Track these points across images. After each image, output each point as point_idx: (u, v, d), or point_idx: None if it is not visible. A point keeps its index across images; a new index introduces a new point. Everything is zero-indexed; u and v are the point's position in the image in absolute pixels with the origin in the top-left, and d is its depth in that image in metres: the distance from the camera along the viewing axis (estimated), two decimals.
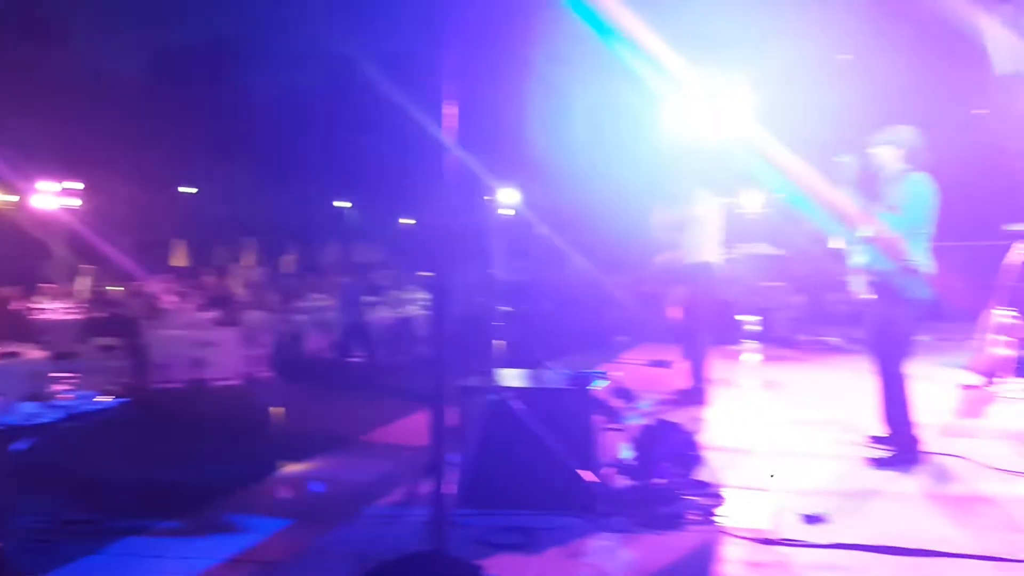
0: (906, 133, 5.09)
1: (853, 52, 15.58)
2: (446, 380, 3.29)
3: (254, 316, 13.42)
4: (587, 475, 4.06)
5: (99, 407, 7.32)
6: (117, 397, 6.45)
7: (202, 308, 14.51)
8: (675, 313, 7.73)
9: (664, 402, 6.93)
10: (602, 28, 10.62)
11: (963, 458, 5.00)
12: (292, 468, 5.38)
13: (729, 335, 10.76)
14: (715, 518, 4.01)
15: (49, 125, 17.61)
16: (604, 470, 4.35)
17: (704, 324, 7.00)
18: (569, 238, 11.67)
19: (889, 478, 4.68)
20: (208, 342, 10.82)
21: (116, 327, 10.69)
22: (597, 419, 4.26)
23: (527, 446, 4.07)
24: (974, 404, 6.60)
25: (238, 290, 19.84)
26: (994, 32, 17.66)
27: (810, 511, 4.01)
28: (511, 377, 4.56)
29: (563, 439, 4.08)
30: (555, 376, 4.53)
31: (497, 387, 4.13)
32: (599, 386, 4.32)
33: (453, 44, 2.87)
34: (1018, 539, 3.67)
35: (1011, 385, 6.99)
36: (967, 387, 7.19)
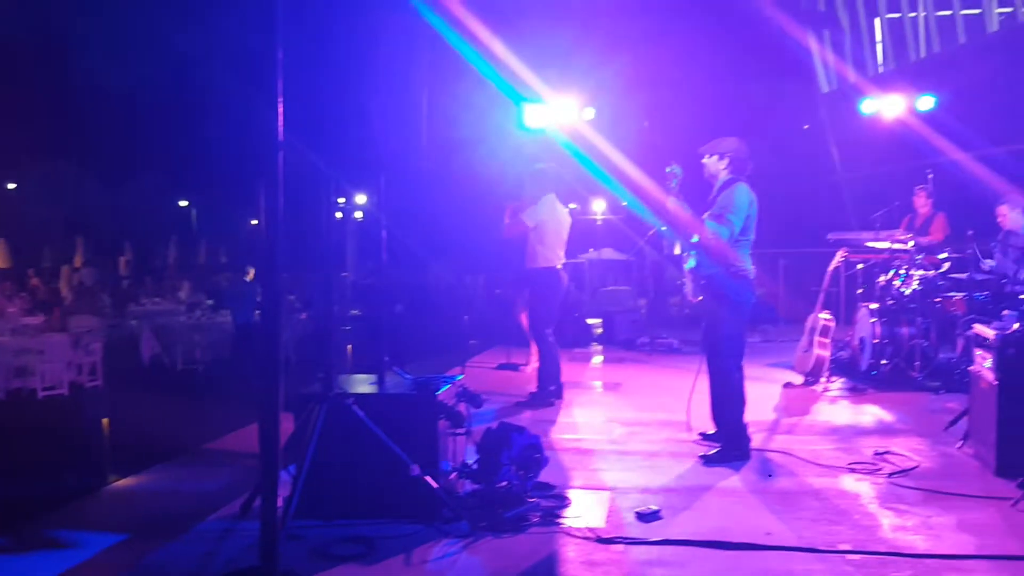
0: (732, 144, 5.36)
1: (692, 70, 16.33)
2: (288, 386, 3.20)
3: (84, 321, 12.61)
4: (431, 481, 4.04)
5: None
6: None
7: (27, 312, 13.52)
8: (524, 317, 7.89)
9: (511, 405, 7.02)
10: (453, 34, 10.68)
11: (787, 453, 5.32)
12: (124, 481, 5.12)
13: (579, 338, 11.09)
14: (557, 519, 4.09)
15: None
16: (449, 476, 4.35)
17: (547, 328, 7.09)
18: (422, 241, 11.63)
19: (719, 474, 4.92)
20: (32, 349, 10.10)
21: None
22: (443, 424, 4.25)
23: (369, 453, 4.01)
24: (797, 402, 7.06)
25: (67, 293, 18.60)
26: (819, 52, 18.93)
27: (645, 509, 4.16)
28: (353, 383, 4.49)
29: (407, 445, 4.04)
30: (400, 381, 4.48)
31: (338, 393, 4.04)
32: (445, 391, 4.31)
33: (287, 39, 2.78)
34: (836, 531, 3.93)
35: (830, 384, 7.53)
36: (791, 386, 7.70)
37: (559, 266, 7.10)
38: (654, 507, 4.19)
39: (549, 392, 7.04)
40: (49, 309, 13.92)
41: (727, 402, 5.29)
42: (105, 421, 8.56)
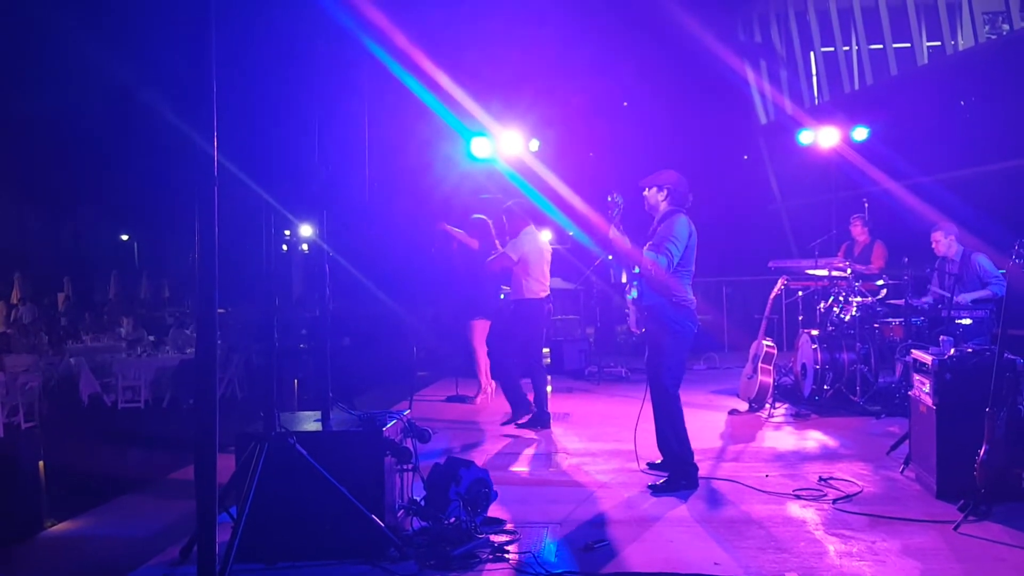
0: (671, 176, 5.44)
1: (633, 102, 16.62)
2: (236, 423, 3.11)
3: (20, 360, 12.20)
4: (377, 520, 3.97)
5: None
6: None
7: None
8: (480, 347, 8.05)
9: (459, 438, 6.97)
10: (396, 66, 10.70)
11: (734, 481, 5.35)
12: (60, 526, 4.94)
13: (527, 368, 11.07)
14: (506, 555, 4.04)
15: None
16: (397, 513, 4.28)
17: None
18: (369, 272, 11.55)
19: (667, 504, 4.93)
20: None
21: None
22: (389, 461, 4.19)
23: (313, 493, 3.93)
24: (743, 429, 7.13)
25: (3, 330, 17.99)
26: (756, 85, 19.40)
27: (595, 542, 4.14)
28: (297, 420, 4.40)
29: (353, 483, 3.97)
30: (345, 418, 4.41)
31: (280, 431, 3.96)
32: (391, 426, 4.26)
33: (222, 70, 2.74)
34: (783, 559, 3.96)
35: (774, 410, 7.62)
36: (736, 413, 7.78)
37: (544, 296, 7.35)
38: (603, 540, 4.18)
39: (546, 414, 7.25)
40: None
41: (672, 430, 5.31)
42: (41, 464, 8.28)
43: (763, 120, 19.56)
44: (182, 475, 5.87)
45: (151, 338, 15.56)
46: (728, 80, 17.93)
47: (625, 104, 17.74)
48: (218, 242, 2.78)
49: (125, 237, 35.66)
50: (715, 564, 3.90)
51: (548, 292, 7.43)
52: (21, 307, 23.52)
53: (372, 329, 13.92)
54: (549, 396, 7.45)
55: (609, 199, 5.32)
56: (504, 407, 7.64)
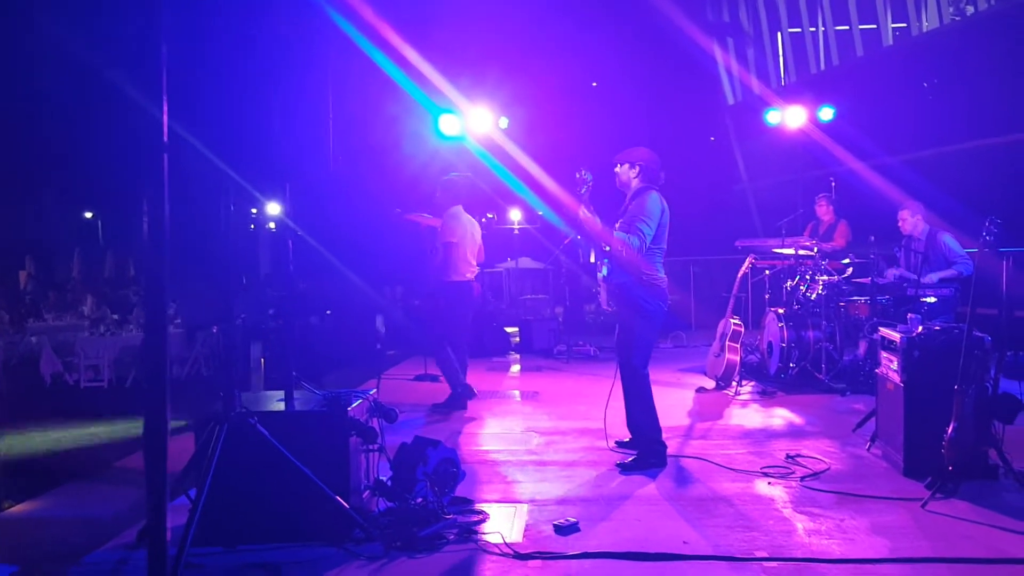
0: (643, 153, 5.39)
1: (602, 80, 16.53)
2: (199, 403, 3.01)
3: None
4: (341, 501, 3.89)
5: None
6: None
7: None
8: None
9: (426, 418, 6.91)
10: (364, 40, 10.52)
11: (702, 459, 5.35)
12: (17, 507, 4.79)
13: (497, 347, 11.03)
14: (474, 536, 4.00)
15: None
16: (363, 494, 4.21)
17: (453, 338, 7.17)
18: (337, 251, 11.41)
19: (636, 482, 4.91)
20: None
21: None
22: (354, 441, 4.11)
23: (275, 474, 3.84)
24: (710, 407, 7.14)
25: None
26: (724, 64, 19.39)
27: (563, 521, 4.10)
28: (259, 400, 4.31)
29: (316, 464, 3.89)
30: (309, 397, 4.32)
31: (240, 411, 3.86)
32: (356, 406, 4.17)
33: (177, 38, 2.62)
34: (752, 537, 3.95)
35: (741, 387, 7.65)
36: (703, 391, 7.80)
37: (471, 277, 7.19)
38: (572, 519, 4.14)
39: (461, 394, 7.15)
40: None
41: (641, 409, 5.30)
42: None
43: (730, 100, 19.56)
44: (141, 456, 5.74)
45: (115, 316, 15.27)
46: (696, 59, 17.89)
47: (595, 84, 17.65)
48: (169, 216, 2.67)
49: (89, 215, 34.94)
50: (684, 543, 3.88)
51: (474, 273, 7.27)
52: None
53: (340, 308, 13.78)
54: (518, 374, 7.40)
55: (578, 175, 5.22)
56: (475, 386, 7.58)
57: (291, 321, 5.51)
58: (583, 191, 5.21)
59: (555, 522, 4.13)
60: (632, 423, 5.39)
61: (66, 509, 4.82)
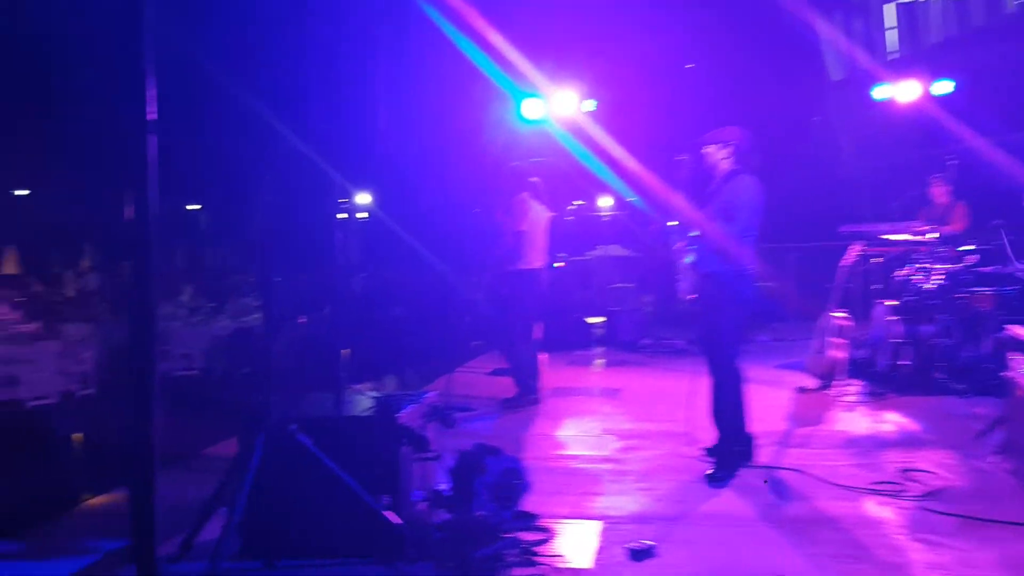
0: (735, 133, 4.98)
1: (695, 59, 15.84)
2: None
3: (80, 328, 12.22)
4: (391, 516, 3.54)
5: None
6: None
7: (24, 320, 13.13)
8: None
9: (496, 417, 6.54)
10: (446, 24, 10.23)
11: (801, 471, 4.79)
12: (95, 500, 4.69)
13: (578, 339, 10.57)
14: (537, 558, 3.59)
15: None
16: (414, 508, 3.85)
17: (522, 330, 6.88)
18: (424, 239, 11.23)
19: (725, 497, 4.42)
20: (22, 358, 9.73)
21: None
22: (406, 450, 3.75)
23: (317, 485, 3.52)
24: (811, 409, 6.53)
25: (69, 298, 18.23)
26: (828, 38, 18.35)
27: (639, 544, 3.64)
28: (306, 403, 4.00)
29: (363, 475, 3.55)
30: (360, 401, 3.99)
31: (280, 417, 3.55)
32: (409, 411, 3.82)
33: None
34: (860, 571, 3.41)
35: (846, 388, 6.98)
36: (803, 391, 7.16)
37: (540, 265, 6.95)
38: (649, 542, 3.67)
39: (528, 400, 6.83)
40: (46, 316, 13.56)
41: (729, 409, 4.84)
42: (80, 436, 8.19)
43: (835, 76, 18.53)
44: (221, 449, 5.55)
45: (211, 305, 15.54)
46: (795, 34, 16.96)
47: (690, 66, 16.97)
48: (154, 199, 2.36)
49: (195, 207, 36.08)
50: (777, 573, 3.37)
51: (543, 263, 7.00)
52: (89, 276, 23.98)
53: (425, 297, 13.61)
54: (599, 369, 7.03)
55: (678, 159, 4.90)
56: (552, 382, 7.19)
57: (381, 312, 5.32)
58: (682, 175, 4.87)
59: (629, 545, 3.66)
60: (719, 423, 4.91)
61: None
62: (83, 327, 12.51)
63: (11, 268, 22.22)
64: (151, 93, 2.36)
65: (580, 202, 17.13)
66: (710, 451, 5.04)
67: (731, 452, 4.81)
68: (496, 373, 8.54)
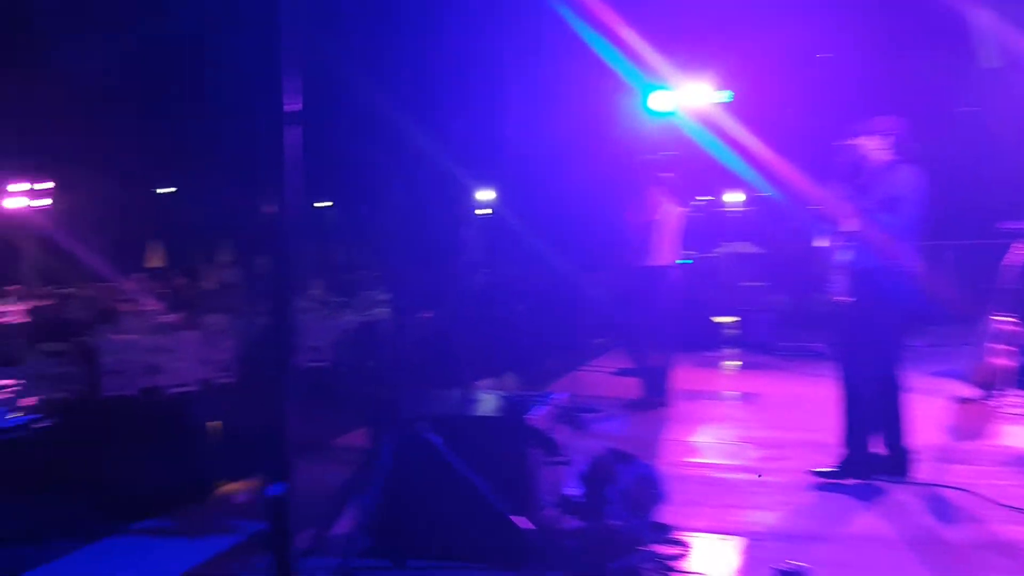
0: (892, 123, 4.62)
1: (837, 49, 15.08)
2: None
3: (218, 319, 12.74)
4: (521, 521, 3.38)
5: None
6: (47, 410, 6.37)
7: (167, 311, 13.84)
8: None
9: (624, 420, 6.30)
10: (577, 23, 10.06)
11: (964, 490, 4.35)
12: (229, 487, 4.80)
13: (708, 340, 10.16)
14: (674, 574, 3.35)
15: (16, 123, 16.93)
16: (543, 514, 3.68)
17: (651, 329, 6.68)
18: (548, 235, 11.10)
19: (878, 516, 4.04)
20: (164, 347, 10.19)
21: (65, 332, 10.11)
22: (535, 453, 3.58)
23: (446, 485, 3.40)
24: (973, 422, 5.98)
25: (209, 290, 19.16)
26: (982, 25, 17.12)
27: (788, 566, 3.33)
28: (435, 401, 3.89)
29: (491, 477, 3.41)
30: (489, 400, 3.85)
31: (409, 416, 3.45)
32: (538, 412, 3.65)
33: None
34: None
35: (1013, 399, 6.37)
36: (964, 401, 6.57)
37: (671, 262, 6.73)
38: (798, 563, 3.36)
39: (660, 403, 6.60)
40: (188, 307, 14.22)
41: (890, 419, 4.54)
42: (219, 423, 8.48)
43: (987, 65, 17.26)
44: (349, 439, 5.59)
45: (340, 299, 15.96)
46: (945, 20, 15.88)
47: (830, 54, 16.16)
48: (293, 192, 2.29)
49: (326, 204, 37.34)
50: None
51: (677, 259, 6.76)
52: (229, 270, 25.13)
53: (547, 294, 13.48)
54: (732, 373, 6.69)
55: (836, 145, 4.58)
56: (681, 384, 6.89)
57: (466, 315, 5.23)
58: (840, 165, 4.56)
59: (777, 566, 3.36)
60: (852, 434, 4.57)
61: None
62: (222, 318, 13.06)
63: (157, 262, 23.58)
64: (290, 84, 2.29)
65: (707, 197, 16.61)
66: (844, 463, 4.64)
67: (888, 460, 4.47)
68: (621, 373, 8.29)
